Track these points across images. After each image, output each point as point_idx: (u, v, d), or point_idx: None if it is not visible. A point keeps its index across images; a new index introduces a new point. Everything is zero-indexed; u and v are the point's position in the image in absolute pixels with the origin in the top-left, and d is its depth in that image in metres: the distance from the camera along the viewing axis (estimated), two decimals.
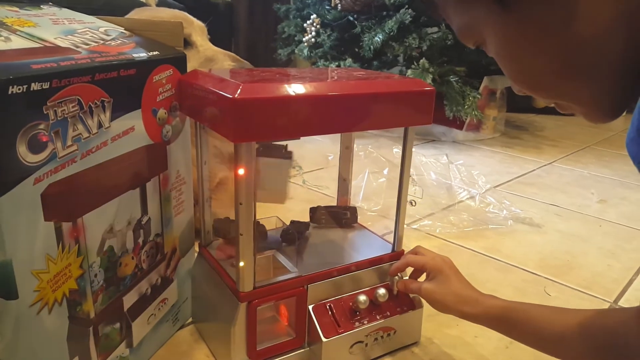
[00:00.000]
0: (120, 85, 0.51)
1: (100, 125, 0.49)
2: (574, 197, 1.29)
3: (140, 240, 0.58)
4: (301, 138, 0.53)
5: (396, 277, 0.65)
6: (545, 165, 1.58)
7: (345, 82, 0.57)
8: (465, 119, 1.70)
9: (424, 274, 0.65)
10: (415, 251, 0.66)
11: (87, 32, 0.53)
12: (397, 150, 1.29)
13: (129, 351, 0.58)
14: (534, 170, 1.52)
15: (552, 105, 0.44)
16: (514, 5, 0.38)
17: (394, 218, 0.66)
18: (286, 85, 0.51)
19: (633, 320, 0.44)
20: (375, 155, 1.29)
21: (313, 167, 1.42)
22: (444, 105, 1.61)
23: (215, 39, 0.99)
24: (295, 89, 0.51)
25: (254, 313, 0.57)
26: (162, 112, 0.58)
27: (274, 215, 0.75)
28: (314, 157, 1.49)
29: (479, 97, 1.63)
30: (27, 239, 0.42)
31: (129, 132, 0.53)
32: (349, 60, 1.71)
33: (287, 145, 0.59)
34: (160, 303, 0.63)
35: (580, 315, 0.50)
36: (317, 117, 0.53)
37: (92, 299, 0.51)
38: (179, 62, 0.60)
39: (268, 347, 0.59)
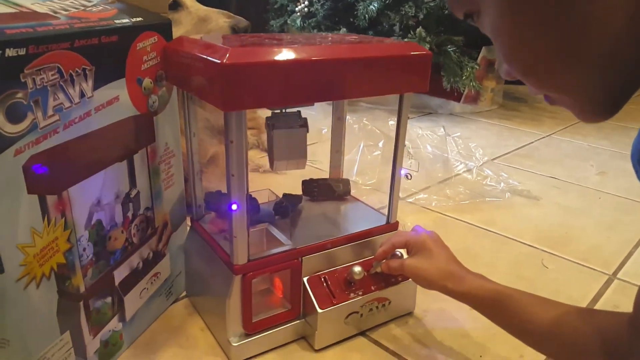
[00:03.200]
0: (102, 52, 0.49)
1: (82, 95, 0.47)
2: (573, 170, 1.27)
3: (130, 214, 0.57)
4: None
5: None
6: (543, 137, 1.57)
7: (338, 46, 0.54)
8: (463, 90, 1.67)
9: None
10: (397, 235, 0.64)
11: None
12: (393, 123, 1.27)
13: (121, 325, 0.58)
14: (532, 142, 1.51)
15: (542, 95, 0.40)
16: None
17: (388, 190, 0.65)
18: (276, 50, 0.49)
19: (625, 327, 0.43)
20: (370, 128, 1.27)
21: None
22: (441, 76, 1.58)
23: None
24: (286, 53, 0.49)
25: (249, 285, 0.56)
26: (147, 82, 0.56)
27: (266, 188, 0.74)
28: None
29: (477, 67, 1.60)
30: (10, 212, 0.41)
31: (114, 102, 0.51)
32: (343, 30, 1.67)
33: (299, 112, 0.57)
34: (152, 277, 0.63)
35: (572, 312, 0.48)
36: (309, 82, 0.51)
37: (81, 273, 0.50)
38: (164, 29, 0.57)
39: (264, 319, 0.59)
